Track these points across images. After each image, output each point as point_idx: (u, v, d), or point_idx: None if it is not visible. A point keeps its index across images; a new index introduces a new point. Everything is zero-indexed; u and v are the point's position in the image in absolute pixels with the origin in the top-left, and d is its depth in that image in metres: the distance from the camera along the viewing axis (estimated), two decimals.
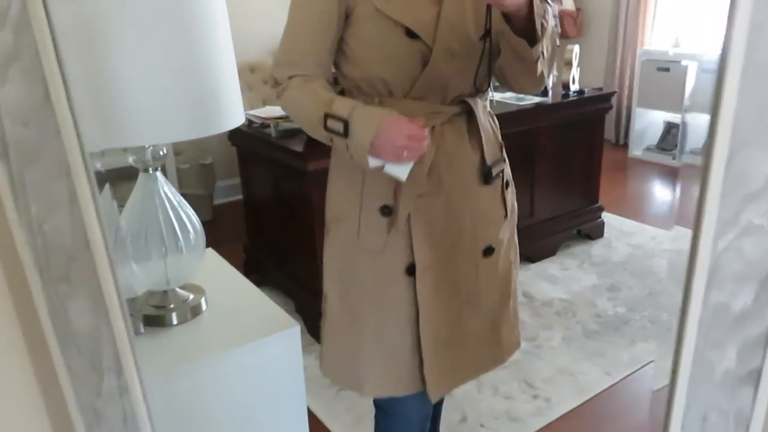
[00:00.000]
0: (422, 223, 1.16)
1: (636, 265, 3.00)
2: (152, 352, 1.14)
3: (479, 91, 1.19)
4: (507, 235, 1.28)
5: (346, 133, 1.03)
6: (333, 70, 1.21)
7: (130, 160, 1.16)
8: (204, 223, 4.09)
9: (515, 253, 1.35)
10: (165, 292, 1.25)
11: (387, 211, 1.15)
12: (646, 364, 2.22)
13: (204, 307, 1.28)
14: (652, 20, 4.72)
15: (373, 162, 1.04)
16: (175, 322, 1.23)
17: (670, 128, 4.74)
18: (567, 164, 3.03)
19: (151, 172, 1.18)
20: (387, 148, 1.00)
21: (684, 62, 4.38)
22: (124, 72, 0.95)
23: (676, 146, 4.58)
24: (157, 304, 1.24)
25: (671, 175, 4.41)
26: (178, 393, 1.11)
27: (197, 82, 1.01)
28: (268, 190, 2.63)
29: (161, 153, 1.17)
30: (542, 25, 1.03)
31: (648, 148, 4.79)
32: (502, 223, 1.25)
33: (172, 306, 1.24)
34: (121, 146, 0.99)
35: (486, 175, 1.19)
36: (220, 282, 1.39)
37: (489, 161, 1.20)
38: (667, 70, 4.46)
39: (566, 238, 3.18)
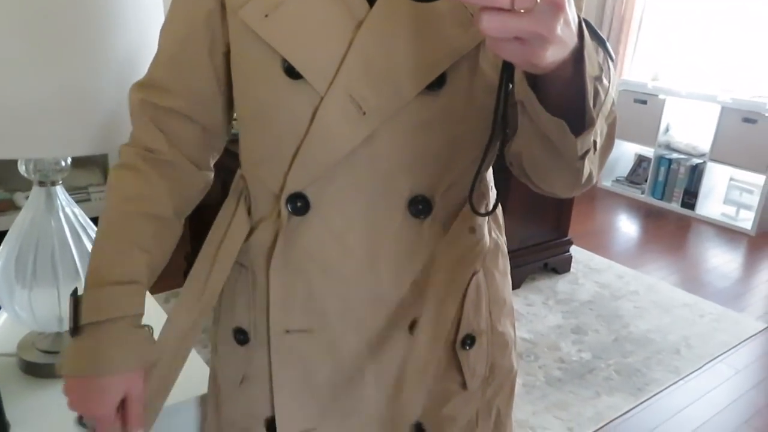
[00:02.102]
0: (291, 370, 0.74)
1: (602, 306, 2.86)
2: (33, 413, 0.90)
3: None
4: (468, 411, 0.78)
5: (74, 331, 0.70)
6: None
7: (21, 169, 0.92)
8: None
9: None
10: (58, 333, 1.00)
11: (242, 337, 0.77)
12: (611, 421, 2.06)
13: None
14: (633, 50, 4.64)
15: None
16: None
17: (640, 161, 4.67)
18: (540, 195, 2.86)
19: (49, 186, 0.93)
20: (72, 396, 0.70)
21: (662, 96, 4.30)
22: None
23: (645, 180, 4.51)
24: (47, 349, 0.99)
25: (639, 209, 4.32)
26: None
27: (96, 92, 0.78)
28: (215, 196, 2.38)
29: (63, 164, 0.93)
30: (597, 91, 0.54)
31: (617, 180, 4.70)
32: (454, 396, 0.76)
33: None
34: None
35: (413, 325, 0.72)
36: None
37: (416, 311, 0.71)
38: (644, 102, 4.37)
39: (532, 271, 3.03)
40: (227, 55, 0.72)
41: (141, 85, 0.73)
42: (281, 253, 0.71)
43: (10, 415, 0.86)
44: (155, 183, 0.73)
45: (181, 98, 0.72)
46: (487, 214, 0.69)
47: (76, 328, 0.69)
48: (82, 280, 0.95)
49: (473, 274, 0.74)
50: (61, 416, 0.89)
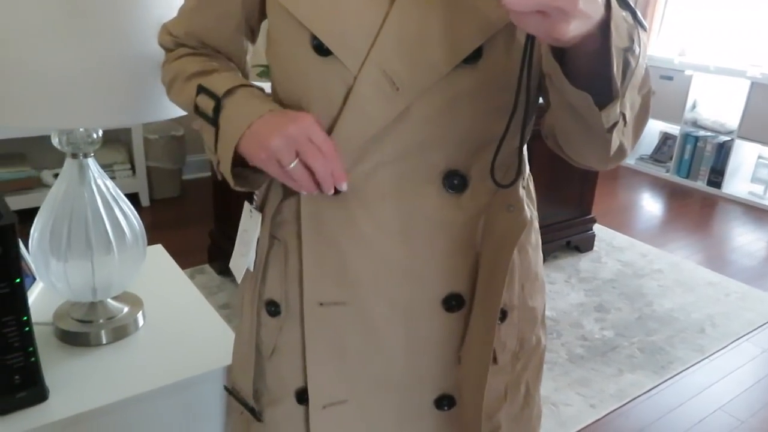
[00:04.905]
0: (324, 342, 0.74)
1: (625, 284, 2.84)
2: (69, 380, 0.92)
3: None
4: (497, 385, 0.77)
5: (215, 119, 0.68)
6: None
7: (55, 141, 0.93)
8: (171, 200, 3.80)
9: (527, 413, 0.84)
10: (92, 303, 1.02)
11: (273, 309, 0.77)
12: (633, 399, 2.06)
13: (141, 322, 1.06)
14: (659, 26, 4.54)
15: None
16: (103, 341, 1.01)
17: (666, 139, 4.59)
18: (563, 172, 2.84)
19: (81, 158, 0.95)
20: (267, 139, 0.61)
21: (688, 72, 4.21)
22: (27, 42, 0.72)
23: (670, 158, 4.44)
24: (81, 318, 1.02)
25: (663, 188, 4.26)
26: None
27: (129, 62, 0.79)
28: None
29: (95, 136, 0.94)
30: (627, 63, 0.54)
31: (641, 158, 4.63)
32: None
33: (100, 321, 1.02)
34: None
35: (447, 300, 0.72)
36: (166, 290, 1.17)
37: (450, 286, 0.71)
38: (671, 78, 4.28)
39: (554, 249, 3.01)
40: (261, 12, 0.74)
41: (167, 28, 0.79)
42: (314, 227, 0.71)
43: (48, 381, 0.88)
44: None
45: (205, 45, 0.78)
46: (507, 186, 0.68)
47: (215, 113, 0.68)
48: (116, 251, 0.96)
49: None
50: (96, 383, 0.92)
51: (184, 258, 2.68)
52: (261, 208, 0.77)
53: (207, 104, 0.69)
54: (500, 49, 0.64)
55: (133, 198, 3.25)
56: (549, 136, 0.70)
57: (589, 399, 2.04)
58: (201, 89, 0.70)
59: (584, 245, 3.12)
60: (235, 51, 0.78)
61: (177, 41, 0.78)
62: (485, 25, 0.62)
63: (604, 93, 0.54)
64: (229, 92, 0.68)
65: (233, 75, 0.72)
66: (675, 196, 4.13)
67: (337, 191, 0.66)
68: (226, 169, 0.67)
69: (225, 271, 2.61)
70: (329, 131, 0.66)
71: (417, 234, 0.69)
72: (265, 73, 2.34)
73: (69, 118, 0.81)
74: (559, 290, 2.74)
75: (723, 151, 4.15)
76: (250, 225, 0.76)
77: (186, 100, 0.73)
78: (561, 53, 0.53)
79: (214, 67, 0.73)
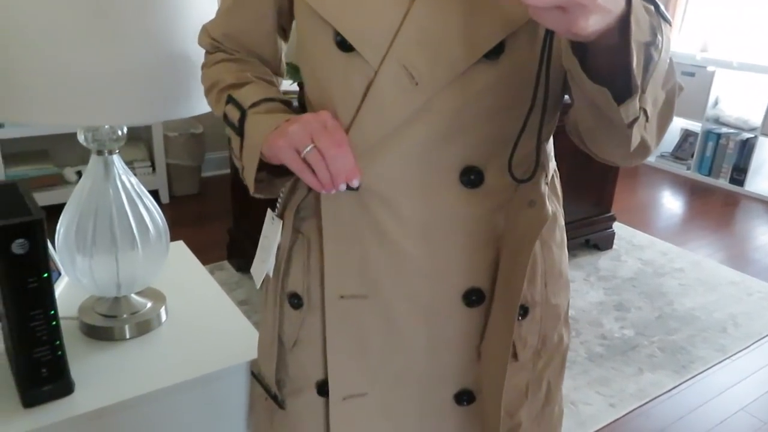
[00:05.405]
0: (345, 335, 0.75)
1: (645, 283, 2.81)
2: (94, 374, 0.93)
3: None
4: (518, 382, 0.77)
5: (241, 129, 0.71)
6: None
7: (81, 138, 0.94)
8: (191, 197, 3.82)
9: (549, 412, 0.83)
10: (116, 298, 1.04)
11: (296, 301, 0.78)
12: (654, 398, 2.04)
13: (164, 317, 1.08)
14: (680, 21, 4.48)
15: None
16: (127, 336, 1.02)
17: (687, 136, 4.53)
18: (583, 168, 2.81)
19: (106, 155, 0.96)
20: (285, 128, 0.64)
21: (710, 68, 4.15)
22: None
23: (691, 156, 4.38)
24: (105, 313, 1.03)
25: (684, 185, 4.21)
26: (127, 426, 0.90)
27: (160, 59, 0.80)
28: None
29: (119, 133, 0.95)
30: (650, 57, 0.53)
31: (662, 156, 4.58)
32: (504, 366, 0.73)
33: (124, 316, 1.03)
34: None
35: (467, 294, 0.72)
36: (187, 285, 1.18)
37: (470, 281, 0.71)
38: (692, 75, 4.22)
39: (573, 247, 2.99)
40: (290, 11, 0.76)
41: (206, 30, 0.81)
42: (334, 223, 0.72)
43: (73, 375, 0.90)
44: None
45: (242, 48, 0.80)
46: (525, 180, 0.68)
47: (241, 123, 0.71)
48: (140, 247, 0.98)
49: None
50: (121, 377, 0.93)
51: (203, 254, 2.70)
52: (282, 215, 0.78)
53: (234, 114, 0.72)
54: (523, 46, 0.63)
55: (153, 195, 3.28)
56: (573, 132, 0.69)
57: (609, 398, 2.03)
58: (230, 99, 0.73)
59: (604, 243, 3.09)
60: (271, 51, 0.80)
61: (215, 44, 0.80)
62: (506, 22, 0.62)
63: (626, 88, 0.53)
64: (255, 104, 0.71)
65: (263, 88, 0.75)
66: (696, 194, 4.07)
67: (350, 188, 0.66)
68: (249, 176, 0.70)
69: (244, 268, 2.63)
70: (350, 126, 0.67)
71: (436, 229, 0.70)
72: (288, 70, 2.35)
73: (95, 115, 0.82)
74: (579, 288, 2.72)
75: (746, 149, 4.09)
76: (271, 232, 0.77)
77: (219, 110, 0.77)
78: (581, 48, 0.53)
79: (247, 79, 0.75)
